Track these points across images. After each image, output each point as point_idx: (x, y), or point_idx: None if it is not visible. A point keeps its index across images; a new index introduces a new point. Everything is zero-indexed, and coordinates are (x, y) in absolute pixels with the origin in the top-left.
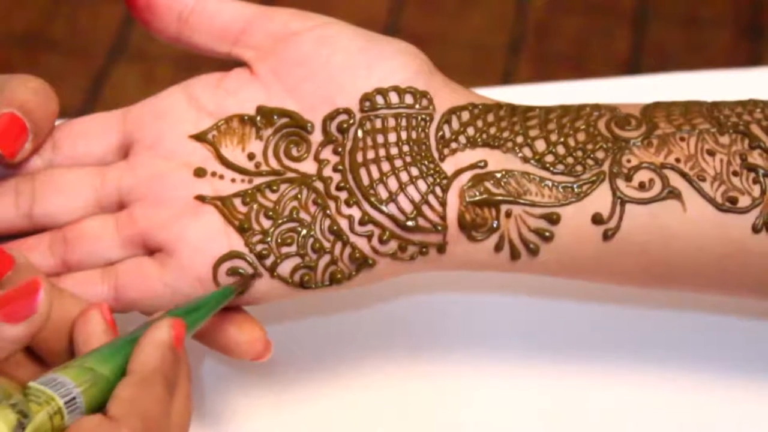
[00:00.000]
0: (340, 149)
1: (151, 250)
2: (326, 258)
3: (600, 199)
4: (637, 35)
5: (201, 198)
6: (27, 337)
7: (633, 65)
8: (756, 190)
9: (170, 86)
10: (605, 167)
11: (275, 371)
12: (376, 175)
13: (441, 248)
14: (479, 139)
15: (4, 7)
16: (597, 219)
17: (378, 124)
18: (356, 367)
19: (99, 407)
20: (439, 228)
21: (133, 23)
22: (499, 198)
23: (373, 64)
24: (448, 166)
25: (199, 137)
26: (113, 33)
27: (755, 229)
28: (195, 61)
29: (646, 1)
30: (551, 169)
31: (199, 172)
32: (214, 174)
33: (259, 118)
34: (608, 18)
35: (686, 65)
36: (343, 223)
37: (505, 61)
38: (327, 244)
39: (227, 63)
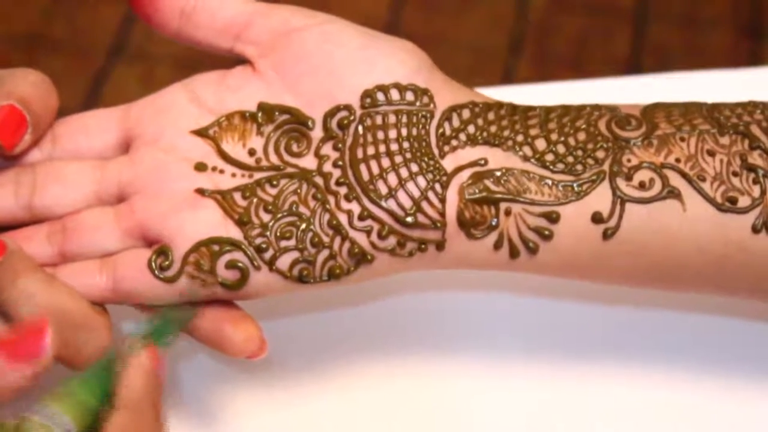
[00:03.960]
0: (340, 145)
1: (150, 242)
2: (325, 252)
3: (600, 198)
4: (637, 35)
5: (201, 191)
6: (30, 381)
7: (633, 65)
8: (756, 191)
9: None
10: (605, 166)
11: (272, 369)
12: (375, 170)
13: (440, 245)
14: (480, 137)
15: (4, 7)
16: (597, 218)
17: (378, 120)
18: (354, 365)
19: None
20: (438, 225)
21: (133, 23)
22: (499, 196)
23: (374, 60)
24: (448, 163)
25: (201, 133)
26: (113, 33)
27: (755, 230)
28: (195, 62)
29: (646, 1)
30: (551, 167)
31: (200, 167)
32: (214, 169)
33: (260, 114)
34: (608, 18)
35: (686, 65)
36: (343, 218)
37: (505, 61)
38: (326, 239)
39: (227, 63)
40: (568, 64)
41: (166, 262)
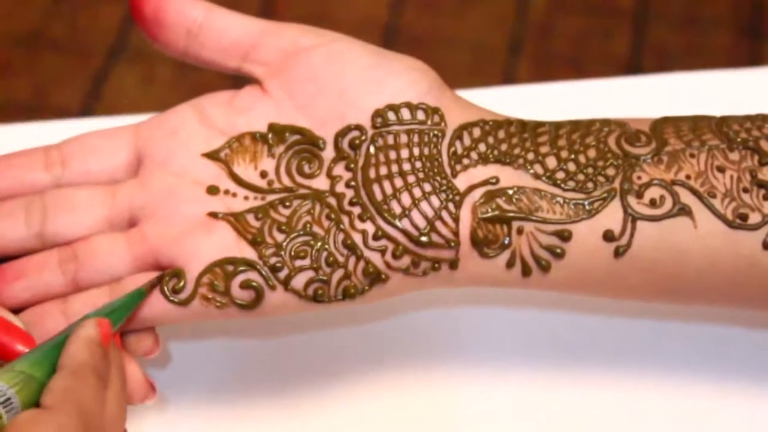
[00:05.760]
0: (352, 165)
1: (162, 268)
2: (340, 272)
3: (611, 216)
4: (637, 35)
5: (214, 215)
6: None
7: (633, 65)
8: (766, 207)
9: (170, 87)
10: (616, 184)
11: (285, 384)
12: (389, 190)
13: (453, 264)
14: (491, 156)
15: (5, 7)
16: (608, 236)
17: (390, 140)
18: (363, 379)
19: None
20: (452, 244)
21: (133, 23)
22: (511, 215)
23: (384, 80)
24: (461, 182)
25: (212, 156)
26: (113, 33)
27: (766, 246)
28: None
29: (646, 1)
30: (562, 185)
31: (212, 190)
32: (227, 192)
33: (270, 135)
34: (608, 18)
35: (686, 65)
36: (357, 238)
37: (505, 61)
38: (341, 258)
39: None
40: (568, 64)
41: (179, 285)
